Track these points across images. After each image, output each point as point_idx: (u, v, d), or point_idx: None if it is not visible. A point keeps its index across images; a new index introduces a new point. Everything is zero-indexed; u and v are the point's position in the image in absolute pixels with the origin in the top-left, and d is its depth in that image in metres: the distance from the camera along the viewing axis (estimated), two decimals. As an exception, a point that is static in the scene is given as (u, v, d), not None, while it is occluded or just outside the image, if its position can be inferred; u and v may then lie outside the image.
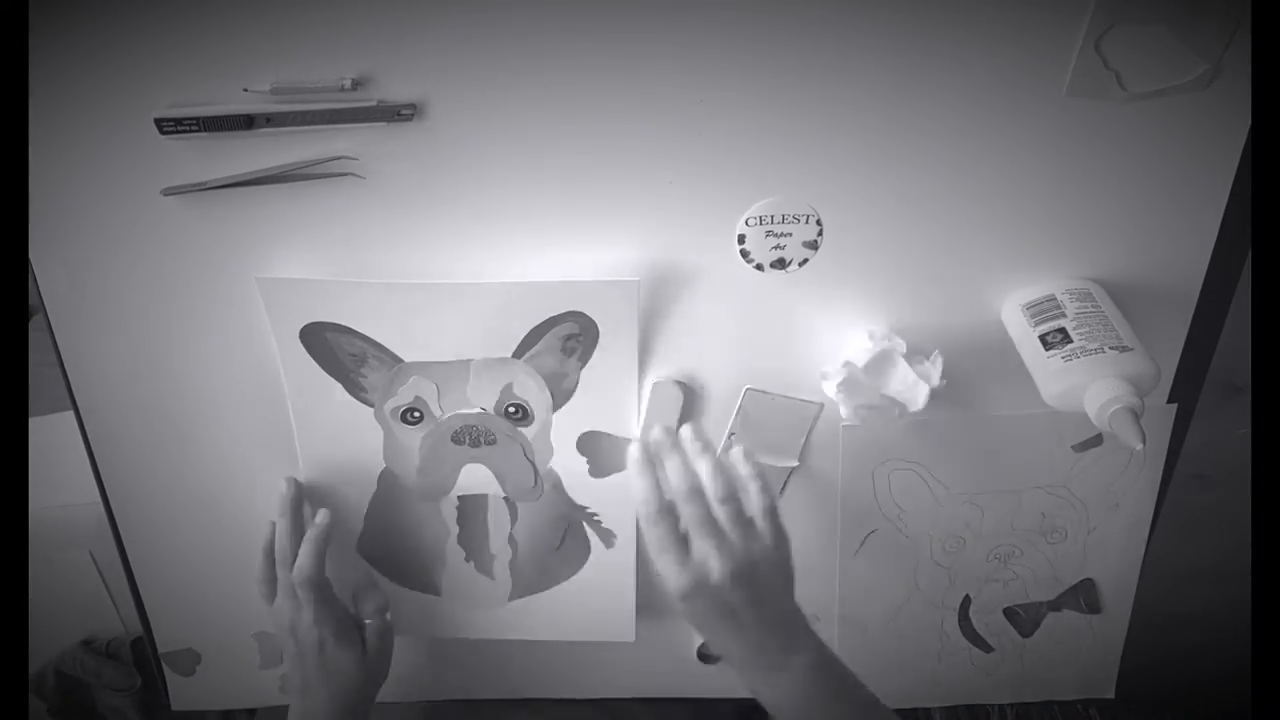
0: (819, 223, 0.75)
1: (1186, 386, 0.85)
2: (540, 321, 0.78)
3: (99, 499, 0.90)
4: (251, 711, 1.08)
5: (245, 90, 0.68)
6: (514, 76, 0.69)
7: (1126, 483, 0.90)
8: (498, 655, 0.98)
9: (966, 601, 0.97)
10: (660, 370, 0.82)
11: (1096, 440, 0.87)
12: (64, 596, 1.16)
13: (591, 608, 0.93)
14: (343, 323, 0.79)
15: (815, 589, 0.95)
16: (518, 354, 0.80)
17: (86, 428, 0.86)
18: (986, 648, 1.00)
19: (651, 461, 0.74)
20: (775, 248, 0.76)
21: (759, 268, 0.77)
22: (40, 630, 1.18)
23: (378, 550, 0.92)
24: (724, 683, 1.01)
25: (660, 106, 0.70)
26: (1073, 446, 0.87)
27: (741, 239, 0.76)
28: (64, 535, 1.11)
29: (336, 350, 0.81)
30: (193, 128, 0.68)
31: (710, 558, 0.70)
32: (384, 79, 0.68)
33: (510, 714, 1.02)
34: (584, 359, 0.81)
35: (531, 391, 0.83)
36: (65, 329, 0.80)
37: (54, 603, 1.16)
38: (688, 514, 0.72)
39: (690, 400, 0.83)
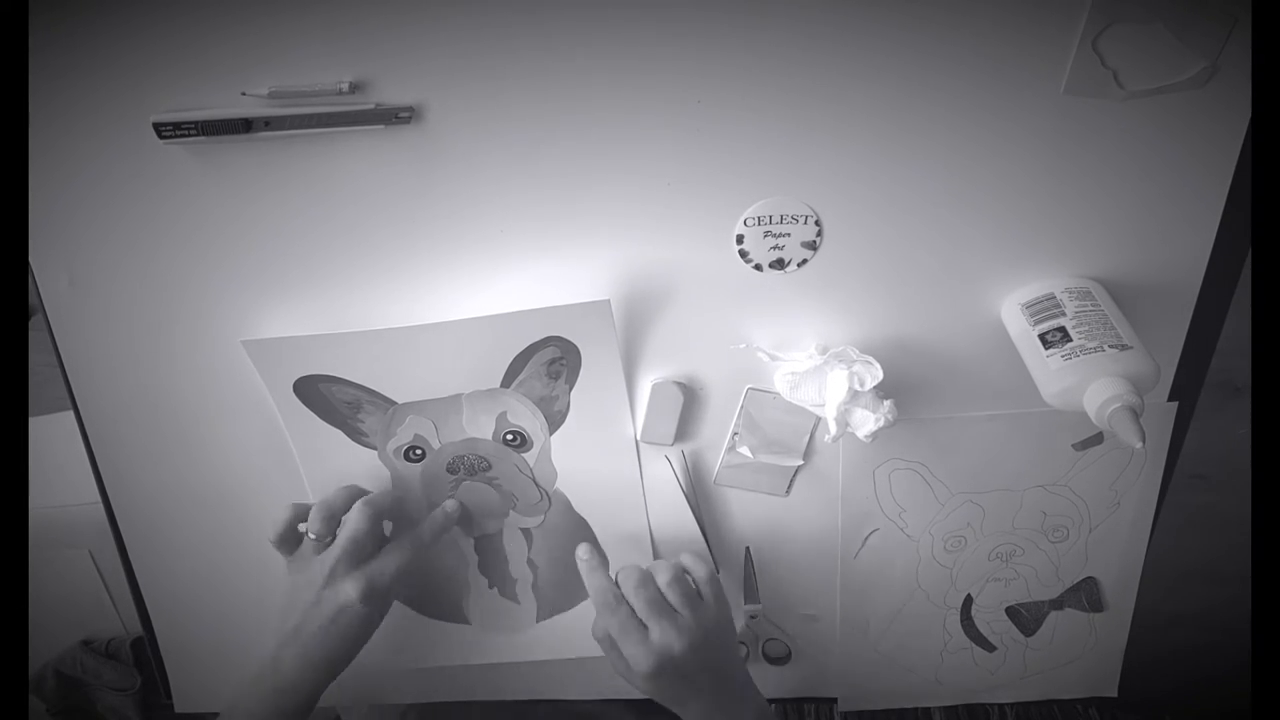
0: (818, 223, 0.75)
1: (1186, 386, 0.85)
2: (521, 350, 0.79)
3: (99, 499, 0.90)
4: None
5: (243, 94, 0.68)
6: (512, 79, 0.69)
7: (1127, 481, 0.90)
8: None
9: (969, 601, 0.97)
10: (660, 371, 0.82)
11: (1097, 439, 0.87)
12: (64, 596, 1.17)
13: None
14: (333, 373, 0.80)
15: (817, 589, 0.95)
16: (505, 383, 0.81)
17: (86, 428, 0.86)
18: (989, 647, 1.00)
19: (602, 558, 0.83)
20: (774, 248, 0.76)
21: (758, 268, 0.77)
22: (40, 630, 1.18)
23: (402, 586, 0.92)
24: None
25: (658, 107, 0.70)
26: (1073, 445, 0.87)
27: (740, 239, 0.76)
28: (64, 535, 1.11)
29: (331, 400, 0.82)
30: (191, 132, 0.69)
31: (670, 635, 0.77)
32: (381, 82, 0.68)
33: (498, 714, 1.02)
34: (571, 380, 0.81)
35: (525, 417, 0.83)
36: (65, 329, 0.81)
37: (54, 603, 1.17)
38: (641, 601, 0.79)
39: (690, 400, 0.83)
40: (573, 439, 0.85)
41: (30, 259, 0.77)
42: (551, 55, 0.68)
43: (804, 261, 0.77)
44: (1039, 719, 1.04)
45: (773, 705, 1.03)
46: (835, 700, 1.03)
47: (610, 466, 0.86)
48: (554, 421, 0.84)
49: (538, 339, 0.78)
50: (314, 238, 0.76)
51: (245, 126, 0.68)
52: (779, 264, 0.77)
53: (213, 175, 0.72)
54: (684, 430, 0.85)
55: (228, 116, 0.68)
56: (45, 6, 0.65)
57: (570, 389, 0.82)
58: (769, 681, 1.01)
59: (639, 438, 0.84)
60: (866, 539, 0.92)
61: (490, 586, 0.93)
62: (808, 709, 1.06)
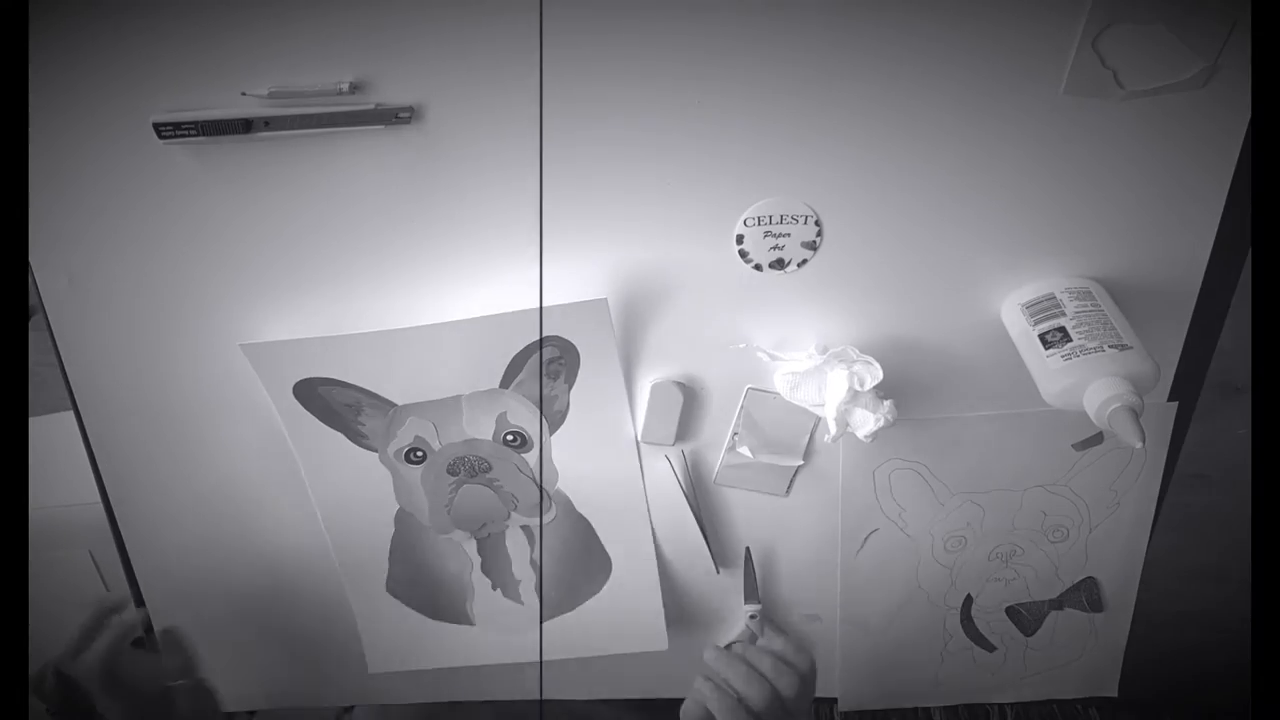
0: (818, 223, 0.75)
1: (1186, 386, 0.85)
2: (520, 350, 0.79)
3: (99, 499, 0.90)
4: (252, 713, 1.08)
5: (243, 94, 0.68)
6: (511, 79, 0.69)
7: (1127, 481, 0.90)
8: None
9: (969, 601, 0.97)
10: (660, 371, 0.82)
11: (1097, 439, 0.87)
12: (64, 597, 1.17)
13: (622, 620, 0.94)
14: (332, 376, 0.80)
15: (817, 589, 0.95)
16: (504, 384, 0.81)
17: (86, 428, 0.86)
18: (989, 647, 1.00)
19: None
20: (774, 248, 0.76)
21: (758, 268, 0.77)
22: (40, 630, 1.18)
23: (406, 588, 0.93)
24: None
25: (658, 107, 0.70)
26: (1073, 445, 0.87)
27: (740, 239, 0.76)
28: (64, 535, 1.11)
29: (331, 402, 0.82)
30: (191, 132, 0.68)
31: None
32: (381, 83, 0.68)
33: (478, 713, 1.03)
34: (570, 380, 0.81)
35: (525, 418, 0.83)
36: (65, 329, 0.81)
37: (54, 603, 1.17)
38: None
39: (690, 400, 0.83)
40: (573, 439, 0.85)
41: (30, 259, 0.77)
42: (551, 55, 0.68)
43: (804, 261, 0.77)
44: (1039, 719, 1.04)
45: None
46: (835, 700, 1.03)
47: (611, 466, 0.86)
48: (554, 422, 0.84)
49: (536, 339, 0.78)
50: (313, 237, 0.76)
51: (245, 127, 0.68)
52: (779, 264, 0.77)
53: (213, 175, 0.72)
54: (684, 430, 0.85)
55: (228, 117, 0.68)
56: (45, 7, 0.65)
57: (569, 389, 0.82)
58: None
59: (639, 438, 0.84)
60: (866, 539, 0.92)
61: (494, 588, 0.93)
62: (808, 709, 1.06)
